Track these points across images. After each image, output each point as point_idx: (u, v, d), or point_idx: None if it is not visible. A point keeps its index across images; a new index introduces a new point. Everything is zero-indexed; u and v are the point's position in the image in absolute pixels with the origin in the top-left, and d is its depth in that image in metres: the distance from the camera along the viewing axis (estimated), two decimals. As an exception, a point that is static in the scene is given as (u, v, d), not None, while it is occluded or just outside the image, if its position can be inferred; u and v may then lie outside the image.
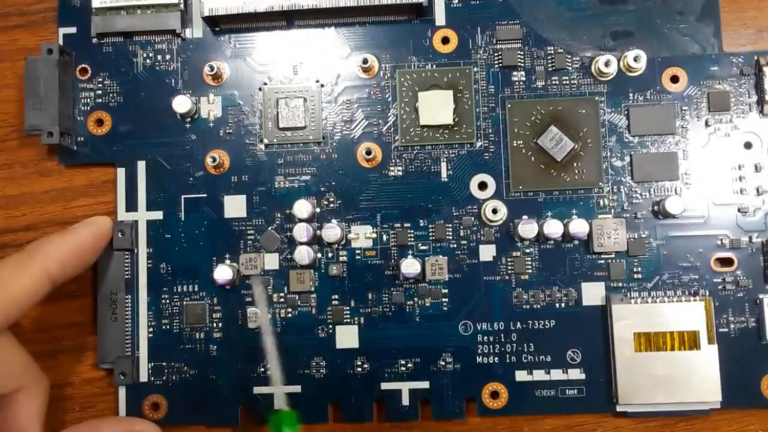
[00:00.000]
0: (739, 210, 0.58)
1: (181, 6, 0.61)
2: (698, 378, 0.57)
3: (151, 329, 0.61)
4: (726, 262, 0.59)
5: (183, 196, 0.61)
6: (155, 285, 0.61)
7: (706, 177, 0.59)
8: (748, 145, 0.59)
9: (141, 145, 0.61)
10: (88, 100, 0.62)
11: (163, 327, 0.61)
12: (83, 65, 0.62)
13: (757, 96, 0.59)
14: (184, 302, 0.61)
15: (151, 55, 0.62)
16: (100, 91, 0.62)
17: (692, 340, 0.57)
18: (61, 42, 0.62)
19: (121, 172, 0.62)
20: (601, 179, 0.59)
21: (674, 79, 0.59)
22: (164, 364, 0.60)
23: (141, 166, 0.61)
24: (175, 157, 0.61)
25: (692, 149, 0.59)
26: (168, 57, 0.62)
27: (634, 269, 0.59)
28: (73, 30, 0.62)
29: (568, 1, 0.61)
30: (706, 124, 0.59)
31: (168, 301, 0.61)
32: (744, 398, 0.57)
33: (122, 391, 0.61)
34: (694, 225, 0.59)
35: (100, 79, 0.62)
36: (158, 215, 0.61)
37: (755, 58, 0.59)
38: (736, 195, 0.59)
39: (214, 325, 0.61)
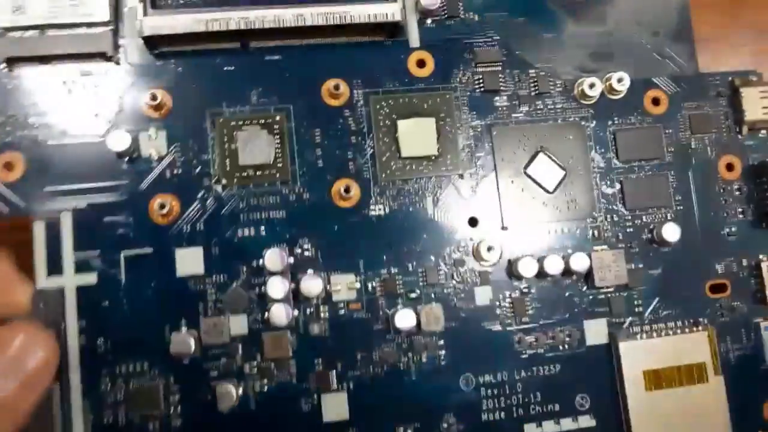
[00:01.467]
0: (728, 234, 0.57)
1: (112, 26, 0.50)
2: (710, 412, 0.54)
3: (88, 425, 0.49)
4: (719, 288, 0.57)
5: (123, 253, 0.50)
6: (92, 367, 0.49)
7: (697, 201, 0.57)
8: (729, 167, 0.58)
9: (66, 192, 0.50)
10: (-7, 139, 0.49)
11: (105, 420, 0.49)
12: (-15, 95, 0.49)
13: (734, 116, 0.58)
14: (131, 385, 0.49)
15: (74, 81, 0.50)
16: (9, 128, 0.50)
17: (700, 372, 0.54)
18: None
19: (39, 227, 0.49)
20: (594, 209, 0.56)
21: (655, 102, 0.57)
22: (110, 469, 0.49)
23: (66, 218, 0.49)
24: (111, 205, 0.50)
25: (678, 172, 0.57)
26: (97, 85, 0.50)
27: (635, 302, 0.56)
28: (-31, 54, 0.49)
29: (545, 23, 0.57)
30: (689, 147, 0.57)
31: (109, 385, 0.49)
32: (750, 426, 0.56)
33: None
34: (689, 251, 0.57)
35: (11, 113, 0.49)
36: (91, 278, 0.49)
37: (729, 79, 0.58)
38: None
39: (172, 410, 0.50)
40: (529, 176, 0.55)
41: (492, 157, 0.55)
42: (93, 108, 0.50)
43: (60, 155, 0.50)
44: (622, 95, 0.57)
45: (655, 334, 0.55)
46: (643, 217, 0.56)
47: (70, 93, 0.50)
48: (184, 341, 0.49)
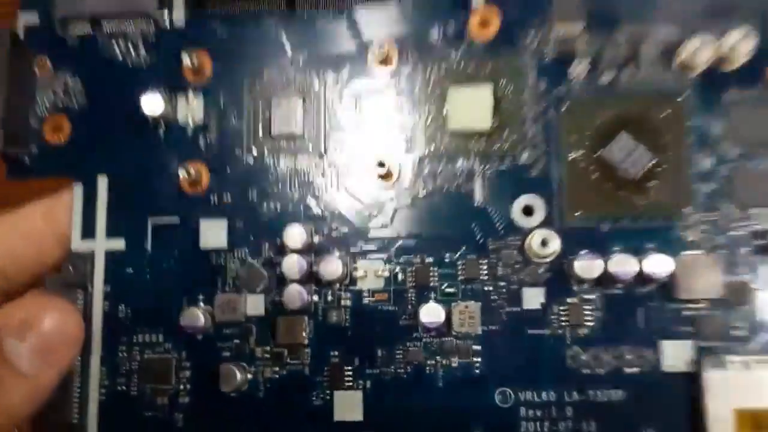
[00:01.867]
0: None
1: (157, -17, 0.50)
2: (826, 475, 0.41)
3: (103, 390, 0.48)
4: None
5: (151, 221, 0.49)
6: (112, 333, 0.48)
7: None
8: None
9: (104, 155, 0.50)
10: (46, 101, 0.51)
11: (118, 387, 0.48)
12: (42, 57, 0.51)
13: None
14: (145, 356, 0.48)
15: (118, 44, 0.50)
16: (60, 92, 0.51)
17: (816, 421, 0.41)
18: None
19: (78, 189, 0.50)
20: (688, 203, 0.45)
21: (786, 73, 0.45)
22: (117, 434, 0.47)
23: (102, 181, 0.50)
24: (143, 171, 0.49)
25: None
26: (139, 47, 0.50)
27: (733, 323, 0.44)
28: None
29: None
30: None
31: (126, 354, 0.48)
32: None
33: (65, 470, 0.48)
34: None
35: (64, 76, 0.51)
36: (119, 244, 0.49)
37: None
38: None
39: (182, 387, 0.47)
40: (605, 160, 0.46)
41: (559, 134, 0.46)
42: (132, 71, 0.50)
43: (100, 120, 0.50)
44: (739, 63, 0.45)
45: (756, 366, 0.42)
46: (757, 219, 0.44)
47: (112, 55, 0.51)
48: (193, 315, 0.47)
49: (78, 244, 0.49)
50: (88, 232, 0.49)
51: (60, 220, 0.50)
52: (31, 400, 0.44)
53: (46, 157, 0.50)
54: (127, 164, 0.49)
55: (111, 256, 0.49)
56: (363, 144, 0.48)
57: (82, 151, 0.50)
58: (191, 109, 0.49)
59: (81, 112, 0.50)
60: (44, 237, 0.49)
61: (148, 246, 0.49)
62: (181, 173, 0.48)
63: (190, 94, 0.49)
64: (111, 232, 0.49)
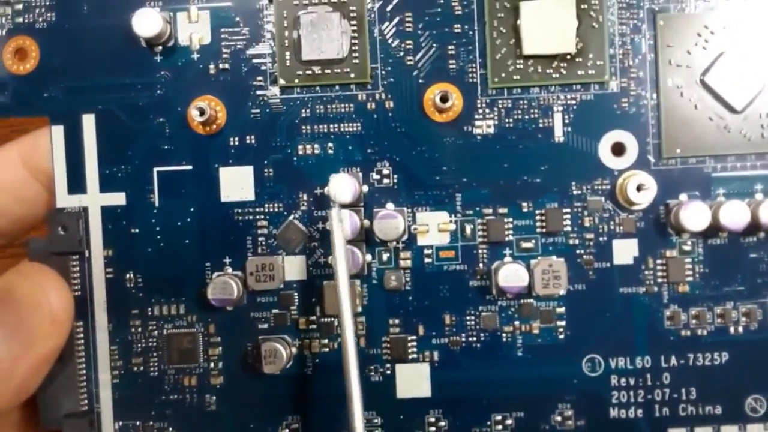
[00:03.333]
0: None
1: None
2: None
3: (116, 372, 0.40)
4: None
5: (156, 169, 0.40)
6: (119, 306, 0.40)
7: None
8: None
9: (87, 88, 0.40)
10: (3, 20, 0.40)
11: (134, 369, 0.40)
12: (-9, -35, 0.40)
13: None
14: (165, 331, 0.40)
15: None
16: (20, 6, 0.40)
17: None
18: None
19: (57, 132, 0.40)
20: (805, 136, 0.39)
21: None
22: (138, 423, 0.40)
23: (88, 121, 0.40)
24: (141, 108, 0.40)
25: None
26: (126, -50, 0.39)
27: None
28: None
29: None
30: None
31: (140, 329, 0.40)
32: None
33: (79, 464, 0.41)
34: None
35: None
36: (119, 199, 0.40)
37: None
38: None
39: (212, 365, 0.40)
40: (707, 87, 0.39)
41: (654, 58, 0.39)
42: (119, -19, 0.40)
43: (80, 43, 0.40)
44: None
45: None
46: None
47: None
48: (224, 286, 0.39)
49: (65, 200, 0.40)
50: (76, 185, 0.40)
51: (44, 164, 0.40)
52: (7, 389, 0.36)
53: (11, 91, 0.40)
54: (119, 99, 0.40)
55: (109, 214, 0.40)
56: (417, 71, 0.39)
57: (57, 82, 0.40)
58: (196, 28, 0.39)
59: (51, 33, 0.40)
60: (28, 186, 0.40)
61: (156, 200, 0.40)
62: (194, 113, 0.38)
63: (193, 9, 0.39)
64: (106, 185, 0.40)
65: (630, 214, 0.39)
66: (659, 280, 0.39)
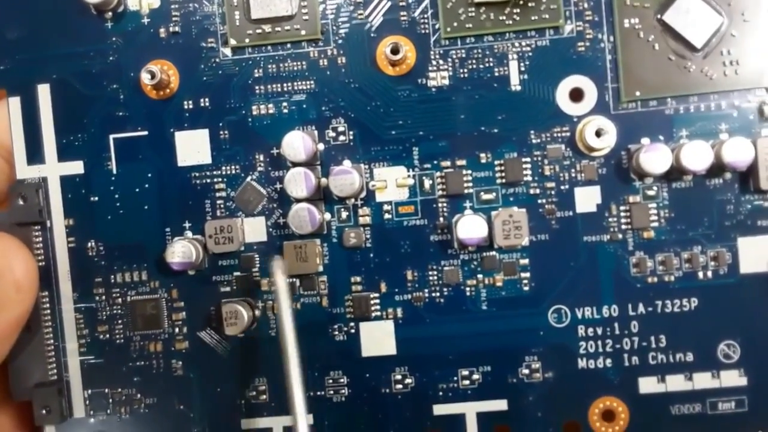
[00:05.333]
0: None
1: None
2: None
3: (82, 341, 0.40)
4: None
5: (112, 136, 0.40)
6: (83, 274, 0.40)
7: None
8: None
9: (40, 59, 0.40)
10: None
11: (100, 337, 0.40)
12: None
13: None
14: (129, 298, 0.40)
15: None
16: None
17: None
18: None
19: (14, 104, 0.40)
20: (766, 73, 0.37)
21: None
22: (106, 390, 0.40)
23: (44, 91, 0.40)
24: (95, 75, 0.40)
25: None
26: None
27: (823, 214, 0.38)
28: None
29: None
30: None
31: (104, 297, 0.40)
32: None
33: (50, 433, 0.41)
34: None
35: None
36: (77, 167, 0.40)
37: None
38: None
39: (176, 330, 0.40)
40: (666, 26, 0.38)
41: (611, -1, 0.38)
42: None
43: (32, 14, 0.40)
44: None
45: None
46: None
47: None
48: (182, 250, 0.39)
49: (24, 171, 0.40)
50: (35, 155, 0.40)
51: (3, 137, 0.40)
52: None
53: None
54: (72, 68, 0.40)
55: (69, 183, 0.40)
56: (368, 25, 0.39)
57: (11, 54, 0.40)
58: (144, -9, 0.39)
59: (2, 6, 0.40)
60: None
61: (113, 167, 0.40)
62: (145, 77, 0.38)
63: (141, -29, 0.39)
64: (64, 154, 0.40)
65: (591, 161, 0.38)
66: (624, 226, 0.38)
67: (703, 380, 0.39)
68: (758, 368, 0.38)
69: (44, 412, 0.40)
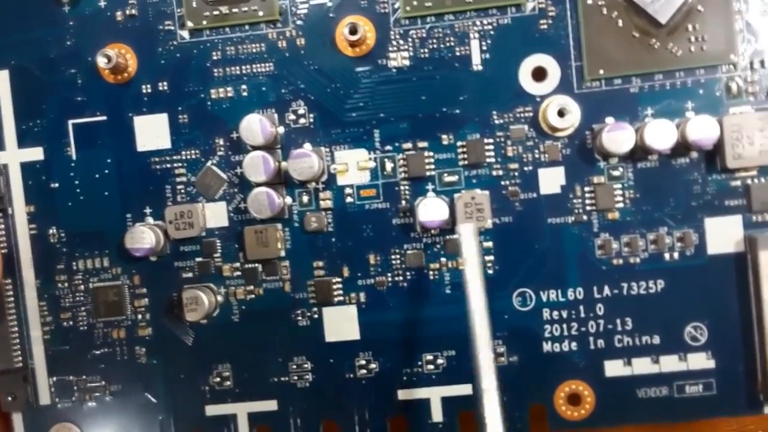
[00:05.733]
0: None
1: None
2: None
3: (46, 328, 0.40)
4: None
5: (71, 122, 0.39)
6: (45, 261, 0.40)
7: None
8: None
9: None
10: None
11: (64, 324, 0.40)
12: None
13: None
14: (91, 285, 0.40)
15: None
16: None
17: None
18: None
19: (-28, 91, 0.40)
20: (733, 49, 0.37)
21: None
22: (71, 378, 0.40)
23: (2, 77, 0.39)
24: (53, 60, 0.39)
25: None
26: None
27: (790, 192, 0.37)
28: None
29: None
30: None
31: (66, 284, 0.40)
32: None
33: (17, 420, 0.41)
34: None
35: None
36: (37, 153, 0.40)
37: None
38: None
39: (139, 317, 0.40)
40: (629, 1, 0.37)
41: (572, -26, 0.37)
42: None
43: (-14, -2, 0.39)
44: None
45: (818, 242, 0.36)
46: (818, 62, 0.36)
47: None
48: (141, 235, 0.38)
49: (-16, 159, 0.40)
50: (-4, 142, 0.40)
51: None
52: None
53: None
54: (30, 53, 0.39)
55: (29, 170, 0.40)
56: (327, 5, 0.38)
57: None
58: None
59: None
60: None
61: (73, 153, 0.40)
62: (100, 60, 0.38)
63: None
64: (24, 140, 0.40)
65: (555, 141, 0.38)
66: (588, 208, 0.38)
67: (670, 363, 0.38)
68: (726, 351, 0.38)
69: (10, 399, 0.40)
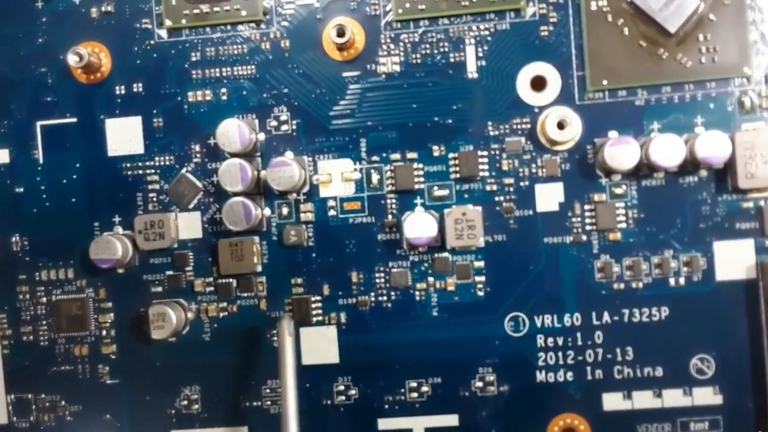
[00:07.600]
0: None
1: None
2: None
3: (6, 342, 0.38)
4: None
5: (39, 123, 0.37)
6: (6, 271, 0.38)
7: None
8: None
9: (-38, 41, 0.38)
10: None
11: (24, 338, 0.38)
12: None
13: None
14: (54, 297, 0.37)
15: None
16: None
17: None
18: None
19: (-63, 89, 0.38)
20: (746, 62, 0.34)
21: None
22: (30, 396, 0.38)
23: (-32, 75, 0.38)
24: (23, 58, 0.37)
25: None
26: None
27: (806, 216, 0.35)
28: None
29: None
30: None
31: (28, 296, 0.38)
32: None
33: (-28, 441, 0.38)
34: None
35: None
36: (2, 156, 0.37)
37: None
38: None
39: (103, 333, 0.37)
40: (636, 8, 0.34)
41: (576, -22, 0.35)
42: None
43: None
44: None
45: (835, 270, 0.34)
46: (836, 77, 0.34)
47: None
48: (107, 245, 0.36)
49: (-53, 160, 0.38)
50: (-41, 143, 0.38)
51: None
52: None
53: None
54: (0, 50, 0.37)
55: (-7, 173, 0.38)
56: (314, 5, 0.36)
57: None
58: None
59: None
60: None
61: (40, 156, 0.37)
62: (71, 59, 0.36)
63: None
64: (-12, 143, 0.38)
65: (553, 156, 0.35)
66: (588, 227, 0.35)
67: (673, 398, 0.35)
68: (734, 385, 0.35)
69: (-36, 418, 0.38)
